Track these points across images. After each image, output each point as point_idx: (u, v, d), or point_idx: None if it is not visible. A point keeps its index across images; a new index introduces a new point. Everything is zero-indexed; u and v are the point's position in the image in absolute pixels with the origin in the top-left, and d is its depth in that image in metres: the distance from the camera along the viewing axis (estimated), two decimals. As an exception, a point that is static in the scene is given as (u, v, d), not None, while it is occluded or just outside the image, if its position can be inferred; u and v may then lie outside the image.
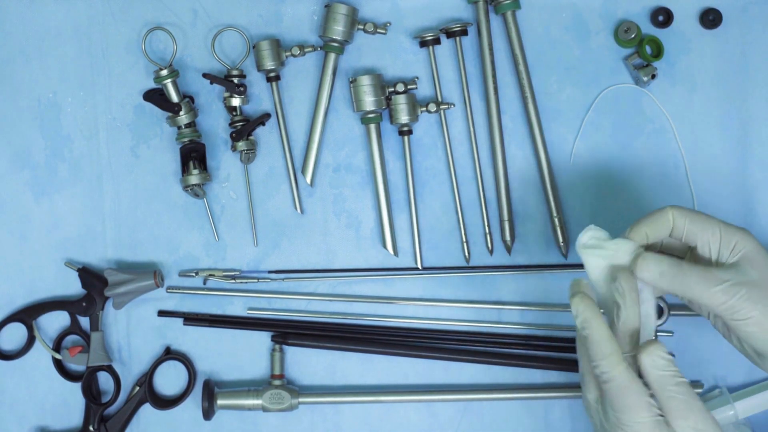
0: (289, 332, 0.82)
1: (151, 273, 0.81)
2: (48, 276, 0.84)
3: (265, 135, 0.84)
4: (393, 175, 0.84)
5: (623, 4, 0.83)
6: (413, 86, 0.82)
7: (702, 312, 0.70)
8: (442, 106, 0.82)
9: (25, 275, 0.84)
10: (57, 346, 0.83)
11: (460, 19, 0.83)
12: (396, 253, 0.83)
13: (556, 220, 0.82)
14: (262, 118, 0.83)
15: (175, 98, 0.81)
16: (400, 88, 0.81)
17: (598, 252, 0.65)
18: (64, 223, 0.84)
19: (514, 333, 0.83)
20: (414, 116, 0.81)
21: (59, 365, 0.83)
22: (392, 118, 0.81)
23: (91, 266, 0.83)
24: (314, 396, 0.81)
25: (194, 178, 0.81)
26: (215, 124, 0.84)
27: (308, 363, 0.83)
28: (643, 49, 0.81)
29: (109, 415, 0.82)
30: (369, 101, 0.80)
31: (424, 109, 0.82)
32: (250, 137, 0.82)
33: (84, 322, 0.83)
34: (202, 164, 0.82)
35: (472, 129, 0.83)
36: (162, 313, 0.83)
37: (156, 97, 0.81)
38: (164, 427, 0.83)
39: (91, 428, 0.81)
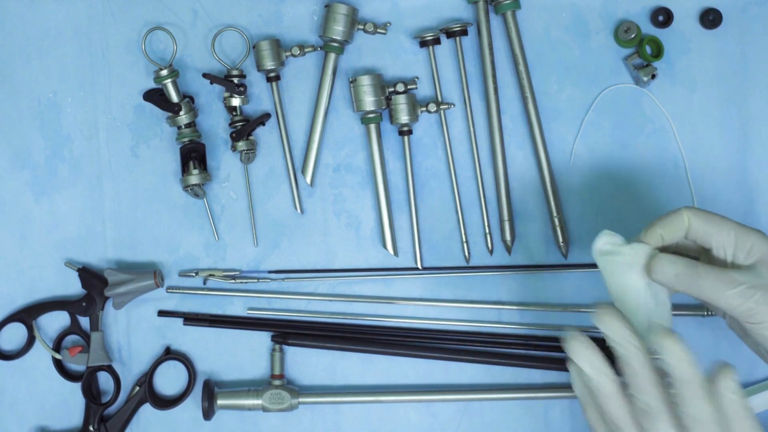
0: (289, 332, 0.82)
1: (151, 273, 0.81)
2: (48, 276, 0.84)
3: (265, 135, 0.84)
4: (393, 175, 0.84)
5: (623, 4, 0.83)
6: (413, 86, 0.82)
7: (717, 312, 0.70)
8: (442, 106, 0.82)
9: (25, 275, 0.84)
10: (57, 346, 0.83)
11: (460, 19, 0.83)
12: (396, 253, 0.83)
13: (556, 220, 0.82)
14: (262, 118, 0.83)
15: (175, 98, 0.81)
16: (400, 88, 0.81)
17: (615, 258, 0.65)
18: (64, 223, 0.84)
19: (514, 333, 0.82)
20: (414, 116, 0.81)
21: (59, 365, 0.83)
22: (392, 118, 0.81)
23: (91, 266, 0.83)
24: (314, 396, 0.81)
25: (194, 178, 0.81)
26: (215, 124, 0.84)
27: (308, 363, 0.83)
28: (643, 49, 0.81)
29: (109, 415, 0.82)
30: (369, 101, 0.80)
31: (424, 109, 0.82)
32: (250, 137, 0.82)
33: (84, 322, 0.83)
34: (202, 164, 0.82)
35: (472, 129, 0.83)
36: (162, 313, 0.83)
37: (156, 97, 0.81)
38: (164, 427, 0.83)
39: (91, 428, 0.81)
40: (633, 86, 0.83)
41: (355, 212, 0.84)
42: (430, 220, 0.83)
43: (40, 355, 0.83)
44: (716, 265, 0.65)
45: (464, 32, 0.82)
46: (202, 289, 0.83)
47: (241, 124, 0.82)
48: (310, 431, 0.83)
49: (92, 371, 0.81)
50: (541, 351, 0.82)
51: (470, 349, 0.83)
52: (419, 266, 0.83)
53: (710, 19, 0.82)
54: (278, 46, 0.82)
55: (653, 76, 0.81)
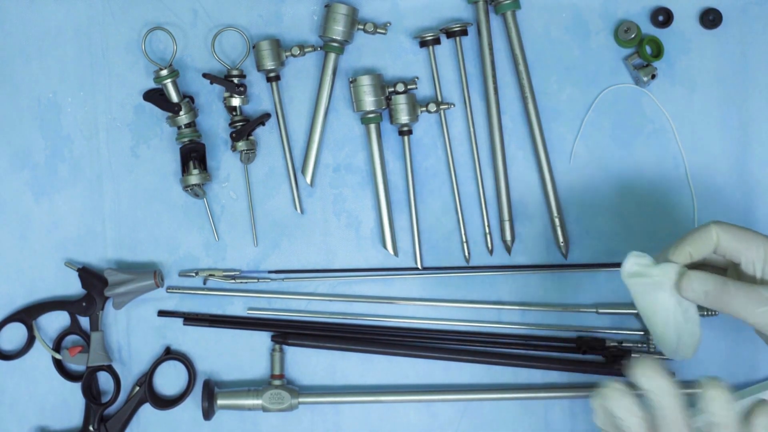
0: (289, 332, 0.82)
1: (151, 273, 0.81)
2: (48, 276, 0.84)
3: (265, 135, 0.84)
4: (393, 175, 0.84)
5: (623, 4, 0.83)
6: (413, 86, 0.82)
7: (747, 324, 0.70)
8: (442, 106, 0.82)
9: (25, 275, 0.84)
10: (57, 346, 0.83)
11: (460, 19, 0.83)
12: (396, 253, 0.83)
13: (556, 220, 0.82)
14: (262, 118, 0.83)
15: (175, 98, 0.81)
16: (400, 88, 0.81)
17: (644, 280, 0.65)
18: (64, 223, 0.84)
19: (514, 333, 0.82)
20: (414, 116, 0.81)
21: (59, 365, 0.83)
22: (392, 118, 0.81)
23: (91, 266, 0.83)
24: (314, 396, 0.81)
25: (194, 178, 0.81)
26: (215, 124, 0.84)
27: (308, 363, 0.83)
28: (643, 49, 0.81)
29: (109, 415, 0.82)
30: (369, 101, 0.80)
31: (424, 109, 0.82)
32: (250, 137, 0.82)
33: (84, 322, 0.83)
34: (202, 164, 0.82)
35: (472, 129, 0.83)
36: (162, 313, 0.83)
37: (156, 97, 0.81)
38: (164, 427, 0.83)
39: (91, 428, 0.81)
40: (633, 86, 0.83)
41: (355, 212, 0.84)
42: (430, 220, 0.83)
43: (40, 355, 0.83)
44: (745, 279, 0.65)
45: (464, 32, 0.82)
46: (202, 289, 0.83)
47: (241, 124, 0.82)
48: (310, 431, 0.83)
49: (92, 371, 0.81)
50: (541, 351, 0.82)
51: (470, 349, 0.83)
52: (419, 266, 0.83)
53: (710, 19, 0.82)
54: (278, 46, 0.82)
55: (653, 76, 0.81)
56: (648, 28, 0.83)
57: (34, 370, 0.83)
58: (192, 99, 0.83)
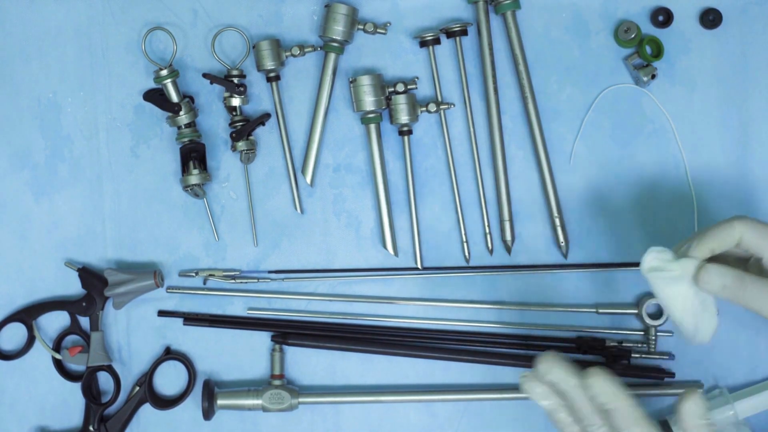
0: (289, 332, 0.82)
1: (151, 273, 0.81)
2: (48, 276, 0.84)
3: (265, 135, 0.84)
4: (393, 175, 0.84)
5: (623, 4, 0.83)
6: (413, 86, 0.82)
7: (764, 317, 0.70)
8: (442, 106, 0.82)
9: (25, 275, 0.84)
10: (57, 346, 0.83)
11: (460, 19, 0.83)
12: (396, 253, 0.83)
13: (556, 220, 0.82)
14: (262, 118, 0.83)
15: (175, 98, 0.81)
16: (400, 88, 0.81)
17: (665, 274, 0.65)
18: (64, 223, 0.84)
19: (514, 333, 0.82)
20: (414, 116, 0.81)
21: (59, 365, 0.83)
22: (392, 118, 0.81)
23: (91, 266, 0.83)
24: (314, 396, 0.81)
25: (194, 178, 0.81)
26: (215, 124, 0.84)
27: (308, 363, 0.83)
28: (643, 49, 0.81)
29: (109, 415, 0.82)
30: (369, 101, 0.80)
31: (424, 109, 0.82)
32: (250, 137, 0.82)
33: (84, 322, 0.83)
34: (202, 164, 0.82)
35: (472, 129, 0.83)
36: (162, 313, 0.83)
37: (156, 97, 0.81)
38: (164, 427, 0.83)
39: (91, 428, 0.81)
40: (633, 86, 0.83)
41: (355, 212, 0.84)
42: (430, 220, 0.83)
43: (40, 355, 0.83)
44: (766, 274, 0.65)
45: (464, 32, 0.82)
46: (202, 289, 0.83)
47: (241, 124, 0.82)
48: (310, 431, 0.83)
49: (92, 371, 0.81)
50: (541, 351, 0.81)
51: (470, 349, 0.83)
52: (419, 266, 0.83)
53: (710, 19, 0.82)
54: (278, 46, 0.82)
55: (653, 76, 0.81)
56: (648, 28, 0.83)
57: (34, 370, 0.83)
58: (192, 99, 0.83)
